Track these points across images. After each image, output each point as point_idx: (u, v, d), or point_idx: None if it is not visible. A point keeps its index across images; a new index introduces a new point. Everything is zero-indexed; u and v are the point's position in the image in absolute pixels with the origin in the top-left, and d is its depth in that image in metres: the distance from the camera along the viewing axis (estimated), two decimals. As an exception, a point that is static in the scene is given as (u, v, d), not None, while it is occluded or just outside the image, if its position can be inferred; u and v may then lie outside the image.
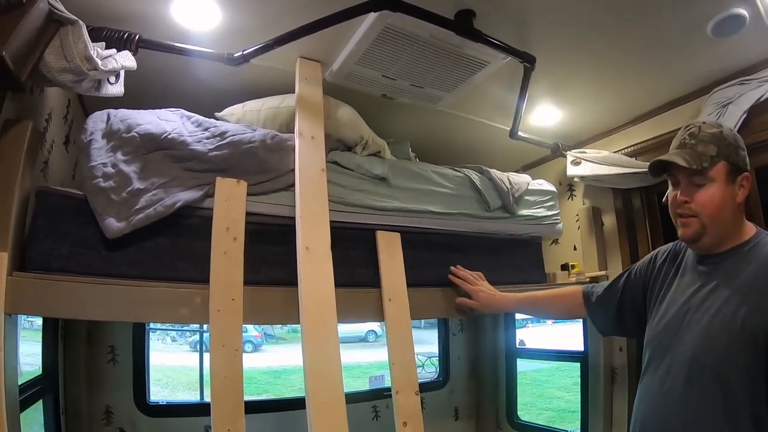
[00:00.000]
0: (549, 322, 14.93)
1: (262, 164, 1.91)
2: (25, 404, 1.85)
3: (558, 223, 2.82)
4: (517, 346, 4.04)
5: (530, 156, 3.57)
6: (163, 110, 1.96)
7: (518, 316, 4.09)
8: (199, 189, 1.77)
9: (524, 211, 2.66)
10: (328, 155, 2.07)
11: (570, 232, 3.22)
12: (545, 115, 2.89)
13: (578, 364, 3.23)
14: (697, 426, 1.31)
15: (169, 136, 1.80)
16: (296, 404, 3.12)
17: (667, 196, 1.55)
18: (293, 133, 2.01)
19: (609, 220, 3.13)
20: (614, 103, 2.75)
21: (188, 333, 12.83)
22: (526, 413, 4.35)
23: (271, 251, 1.89)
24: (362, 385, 8.40)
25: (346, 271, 1.97)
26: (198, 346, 11.20)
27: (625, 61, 2.29)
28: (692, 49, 2.18)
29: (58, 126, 2.03)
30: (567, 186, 3.40)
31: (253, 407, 2.86)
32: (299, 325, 1.72)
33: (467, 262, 2.29)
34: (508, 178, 2.63)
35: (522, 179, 2.74)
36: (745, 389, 1.25)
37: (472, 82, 2.37)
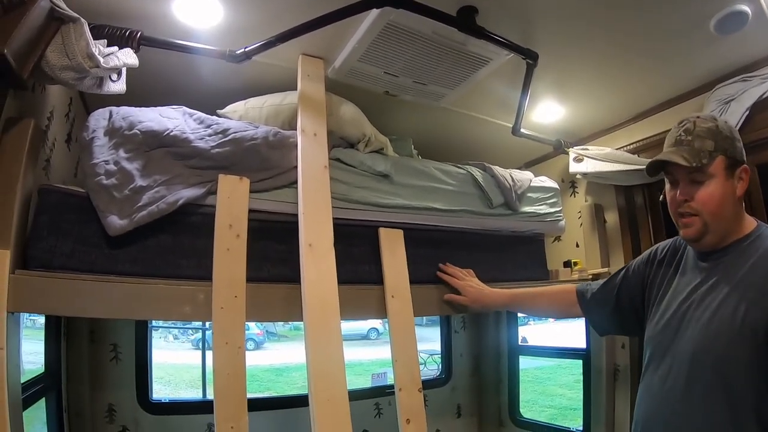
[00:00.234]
0: (551, 319, 14.96)
1: (265, 161, 1.91)
2: (27, 403, 1.86)
3: (560, 220, 2.82)
4: (520, 343, 4.03)
5: (533, 153, 3.57)
6: (165, 107, 1.96)
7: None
8: (202, 186, 1.77)
9: (527, 208, 2.65)
10: (330, 152, 2.07)
11: (572, 229, 3.22)
12: (548, 112, 2.88)
13: (580, 362, 3.23)
14: (700, 426, 1.28)
15: (172, 134, 1.80)
16: (298, 402, 3.14)
17: (664, 195, 1.52)
18: (295, 130, 2.01)
19: (611, 217, 3.13)
20: (617, 99, 2.75)
21: (190, 331, 12.84)
22: (528, 411, 4.35)
23: (273, 248, 1.89)
24: (364, 383, 8.42)
25: (349, 268, 1.97)
26: (200, 344, 11.21)
27: (628, 58, 2.28)
28: (695, 45, 2.17)
29: (60, 124, 2.02)
30: (569, 183, 3.40)
31: (255, 405, 2.86)
32: (301, 323, 1.73)
33: (470, 259, 2.29)
34: (511, 175, 2.62)
35: (524, 176, 2.73)
36: (749, 388, 1.22)
37: (474, 78, 2.37)
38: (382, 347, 12.09)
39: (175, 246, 1.73)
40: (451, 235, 2.36)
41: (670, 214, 1.49)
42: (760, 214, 2.20)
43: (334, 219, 1.88)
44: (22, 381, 1.58)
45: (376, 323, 14.51)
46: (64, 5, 1.44)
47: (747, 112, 2.22)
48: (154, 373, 3.02)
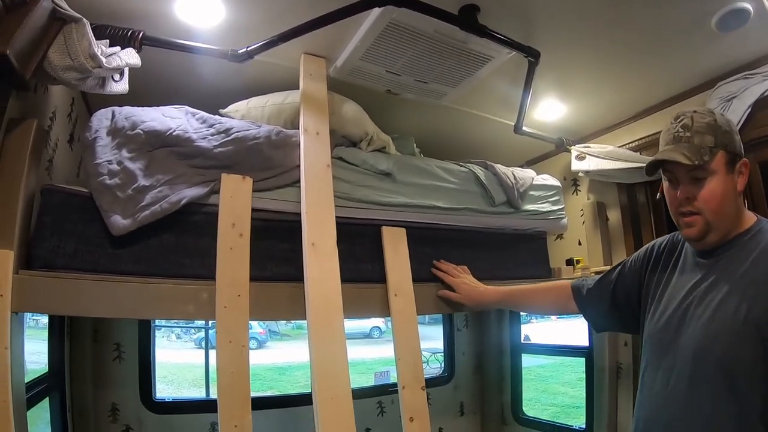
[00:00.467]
0: (553, 317, 14.96)
1: (267, 160, 1.91)
2: (31, 402, 1.86)
3: (563, 218, 2.81)
4: (522, 341, 4.03)
5: (535, 151, 3.57)
6: (167, 107, 1.96)
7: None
8: (205, 185, 1.78)
9: (529, 206, 2.65)
10: (333, 151, 2.07)
11: (575, 227, 3.22)
12: (549, 110, 2.88)
13: (583, 360, 3.24)
14: (704, 428, 1.24)
15: (174, 133, 1.80)
16: (302, 400, 3.13)
17: (662, 193, 1.48)
18: (298, 129, 2.01)
19: (614, 215, 3.13)
20: (619, 97, 2.74)
21: (193, 330, 12.85)
22: (531, 408, 4.34)
23: (277, 247, 1.89)
24: (367, 382, 8.43)
25: (352, 267, 1.97)
26: (203, 343, 11.22)
27: (630, 56, 2.28)
28: (696, 43, 2.17)
29: (63, 124, 2.03)
30: (571, 181, 3.40)
31: (258, 403, 2.86)
32: (305, 322, 1.73)
33: (472, 258, 2.29)
34: (513, 173, 2.62)
35: (527, 174, 2.73)
36: (754, 387, 1.18)
37: (476, 77, 2.37)
38: (385, 346, 12.11)
39: (178, 245, 1.73)
40: (453, 234, 2.36)
41: (671, 213, 1.45)
42: (762, 212, 2.18)
43: (336, 218, 1.88)
44: (25, 381, 1.59)
45: (379, 322, 14.52)
46: (66, 5, 1.44)
47: (749, 110, 2.21)
48: (158, 373, 3.02)
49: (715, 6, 1.92)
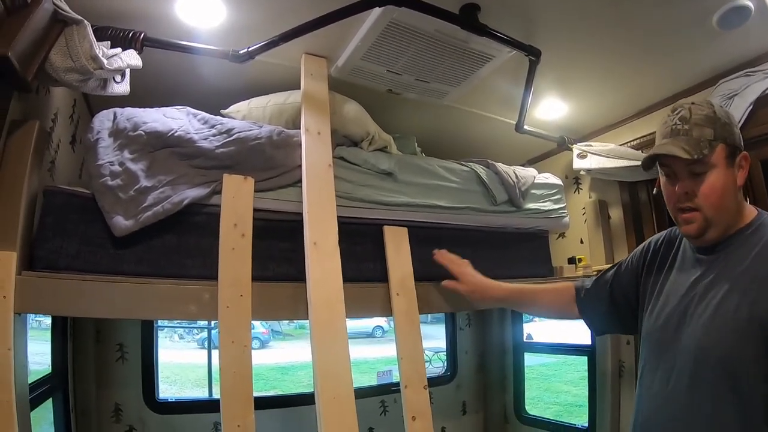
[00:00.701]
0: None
1: (269, 160, 1.91)
2: (35, 403, 1.87)
3: (564, 216, 2.81)
4: (525, 340, 4.04)
5: (536, 150, 3.57)
6: (169, 108, 1.96)
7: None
8: (207, 186, 1.78)
9: (531, 205, 2.65)
10: (334, 151, 2.07)
11: (577, 226, 3.22)
12: (551, 109, 2.88)
13: (585, 358, 3.24)
14: (705, 429, 1.19)
15: (176, 134, 1.80)
16: (304, 400, 3.13)
17: (659, 188, 1.42)
18: (299, 129, 2.01)
19: (616, 213, 3.13)
20: (620, 95, 2.74)
21: (196, 330, 12.87)
22: (533, 407, 4.35)
23: (278, 247, 1.90)
24: (370, 381, 8.42)
25: (354, 266, 1.97)
26: (206, 344, 11.23)
27: (631, 54, 2.28)
28: (698, 41, 2.17)
29: (65, 126, 2.03)
30: (573, 179, 3.40)
31: (261, 403, 2.86)
32: (307, 322, 1.73)
33: (474, 256, 2.28)
34: (515, 172, 2.62)
35: (528, 173, 2.73)
36: (758, 387, 1.12)
37: (477, 76, 2.37)
38: (387, 345, 12.09)
39: (180, 246, 1.74)
40: (455, 233, 2.36)
41: (668, 209, 1.39)
42: (765, 207, 2.19)
43: (338, 217, 1.89)
44: (29, 381, 1.59)
45: (381, 321, 14.51)
46: (67, 7, 1.45)
47: (750, 107, 2.21)
48: (160, 373, 3.03)
49: (716, 4, 1.92)
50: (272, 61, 2.16)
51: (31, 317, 1.72)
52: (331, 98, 2.15)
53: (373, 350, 12.38)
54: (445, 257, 2.08)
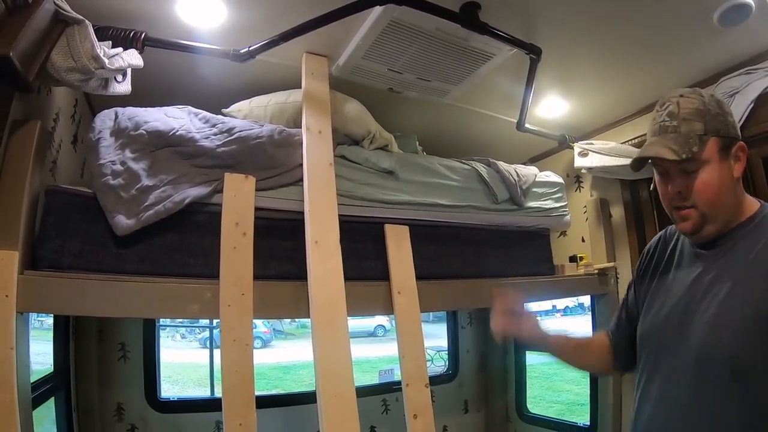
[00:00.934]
0: (557, 315, 14.95)
1: (270, 159, 1.91)
2: (37, 402, 1.87)
3: (566, 214, 2.81)
4: (526, 339, 4.02)
5: (537, 148, 3.56)
6: (170, 107, 1.97)
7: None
8: (208, 185, 1.78)
9: (532, 203, 2.65)
10: (335, 150, 2.07)
11: (578, 224, 3.22)
12: (552, 107, 2.88)
13: (587, 357, 3.22)
14: (708, 430, 1.13)
15: (177, 133, 1.81)
16: (306, 399, 3.13)
17: (655, 185, 1.36)
18: (300, 128, 2.01)
19: (617, 212, 3.12)
20: (621, 93, 2.74)
21: (198, 330, 12.87)
22: (535, 406, 4.34)
23: (280, 246, 1.90)
24: (371, 380, 8.43)
25: (355, 265, 1.97)
26: (207, 343, 11.24)
27: (632, 52, 2.27)
28: (698, 38, 2.16)
29: (66, 125, 2.04)
30: (574, 178, 3.39)
31: (263, 402, 2.86)
32: (308, 321, 1.73)
33: (475, 255, 2.30)
34: (516, 171, 2.62)
35: (529, 171, 2.73)
36: (766, 387, 1.06)
37: (478, 74, 2.36)
38: (389, 344, 12.09)
39: (181, 245, 1.74)
40: (456, 231, 2.36)
41: (665, 207, 1.32)
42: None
43: (339, 216, 1.89)
44: (31, 381, 1.60)
45: (383, 320, 14.50)
46: (68, 7, 1.45)
47: (752, 105, 2.20)
48: (162, 372, 3.04)
49: (717, 1, 1.91)
50: (273, 61, 2.16)
51: (33, 317, 1.73)
52: (332, 97, 2.15)
53: (374, 349, 12.38)
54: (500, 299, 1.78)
